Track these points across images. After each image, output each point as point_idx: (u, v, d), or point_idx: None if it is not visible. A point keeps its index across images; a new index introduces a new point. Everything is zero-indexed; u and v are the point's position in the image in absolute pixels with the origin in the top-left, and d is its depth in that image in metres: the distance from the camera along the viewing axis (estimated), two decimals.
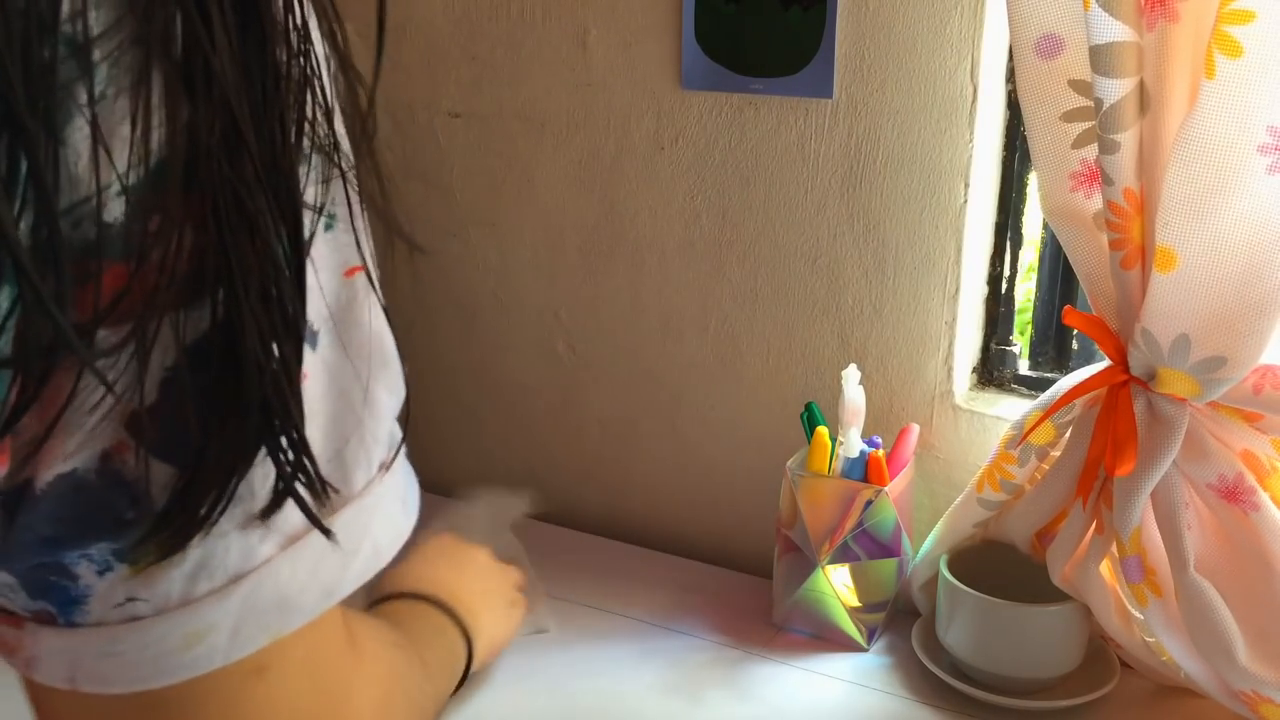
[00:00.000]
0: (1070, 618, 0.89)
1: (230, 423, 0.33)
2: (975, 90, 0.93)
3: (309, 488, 0.36)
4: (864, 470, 0.94)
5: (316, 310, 0.35)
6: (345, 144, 0.36)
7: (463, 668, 0.75)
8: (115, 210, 0.30)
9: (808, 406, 1.00)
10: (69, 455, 0.32)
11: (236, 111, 0.31)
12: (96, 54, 0.29)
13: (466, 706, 0.90)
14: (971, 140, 0.94)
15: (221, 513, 0.34)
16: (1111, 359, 0.82)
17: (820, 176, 1.01)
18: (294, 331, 0.34)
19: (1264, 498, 0.77)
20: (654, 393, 1.15)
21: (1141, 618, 0.85)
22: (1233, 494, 0.78)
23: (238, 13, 0.31)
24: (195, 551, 0.35)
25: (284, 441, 0.35)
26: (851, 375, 0.94)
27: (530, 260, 1.17)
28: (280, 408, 0.34)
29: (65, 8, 0.29)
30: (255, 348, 0.33)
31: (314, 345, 0.36)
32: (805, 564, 0.97)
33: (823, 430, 0.96)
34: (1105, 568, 0.87)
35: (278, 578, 0.37)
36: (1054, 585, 0.89)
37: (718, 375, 1.11)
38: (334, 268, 0.36)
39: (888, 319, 1.01)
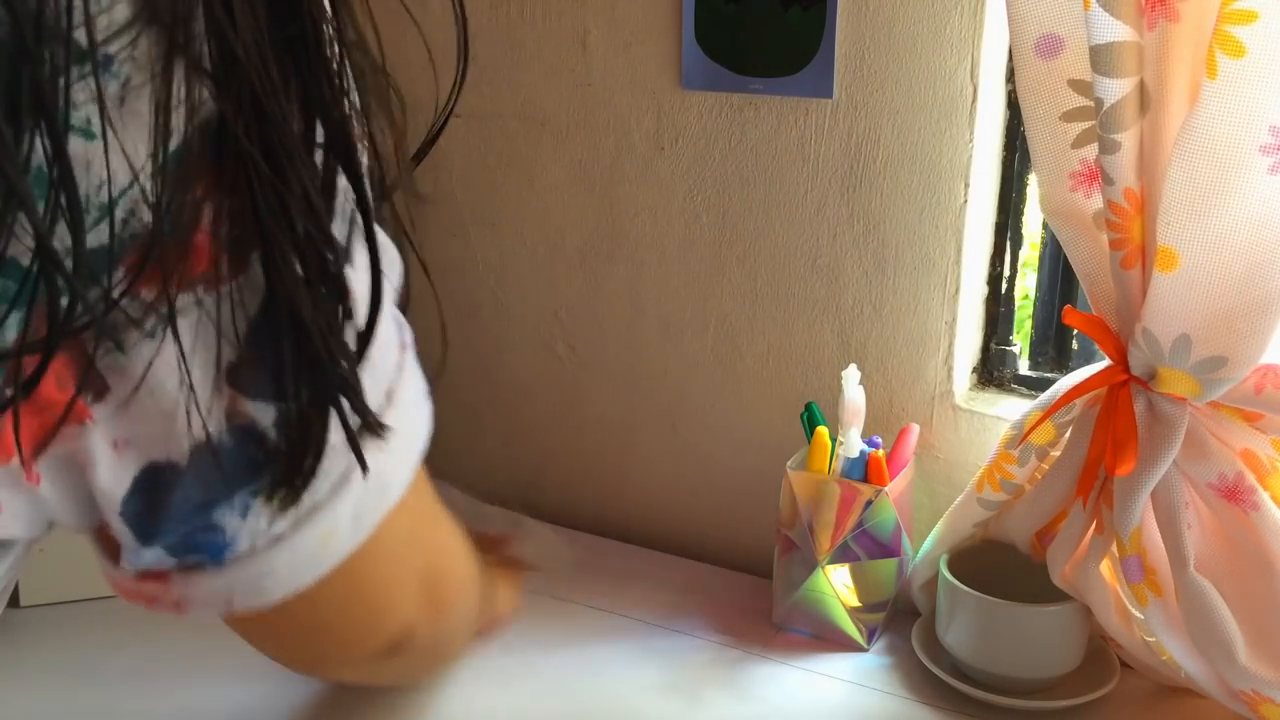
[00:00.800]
0: (1070, 618, 0.89)
1: (310, 364, 0.37)
2: (975, 90, 0.93)
3: (358, 413, 0.40)
4: (864, 470, 0.94)
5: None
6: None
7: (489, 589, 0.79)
8: (153, 191, 0.33)
9: (808, 406, 1.00)
10: (198, 426, 0.36)
11: (261, 90, 0.33)
12: (113, 49, 0.31)
13: (467, 706, 0.90)
14: (971, 140, 0.94)
15: (324, 444, 0.39)
16: (1111, 359, 0.82)
17: (820, 176, 1.01)
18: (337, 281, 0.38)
19: (1264, 497, 0.77)
20: (654, 393, 1.15)
21: (1141, 618, 0.85)
22: (1233, 493, 0.78)
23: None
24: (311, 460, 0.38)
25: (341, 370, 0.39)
26: (851, 375, 0.94)
27: (530, 260, 1.17)
28: (338, 346, 0.38)
29: (78, 11, 0.30)
30: (305, 304, 0.36)
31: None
32: (805, 564, 0.97)
33: (823, 430, 0.96)
34: (1105, 568, 0.87)
35: (377, 464, 0.41)
36: (1054, 585, 0.89)
37: (718, 375, 1.11)
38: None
39: (888, 319, 1.01)
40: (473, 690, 0.92)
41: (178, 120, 0.32)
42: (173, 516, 0.38)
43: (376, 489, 0.42)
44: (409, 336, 0.45)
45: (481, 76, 1.13)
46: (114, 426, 0.36)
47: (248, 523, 0.39)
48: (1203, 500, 0.80)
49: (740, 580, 1.09)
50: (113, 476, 0.37)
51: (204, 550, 0.39)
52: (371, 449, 0.41)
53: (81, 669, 0.94)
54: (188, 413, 0.36)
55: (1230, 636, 0.78)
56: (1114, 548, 0.84)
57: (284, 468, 0.38)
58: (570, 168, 1.12)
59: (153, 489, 0.37)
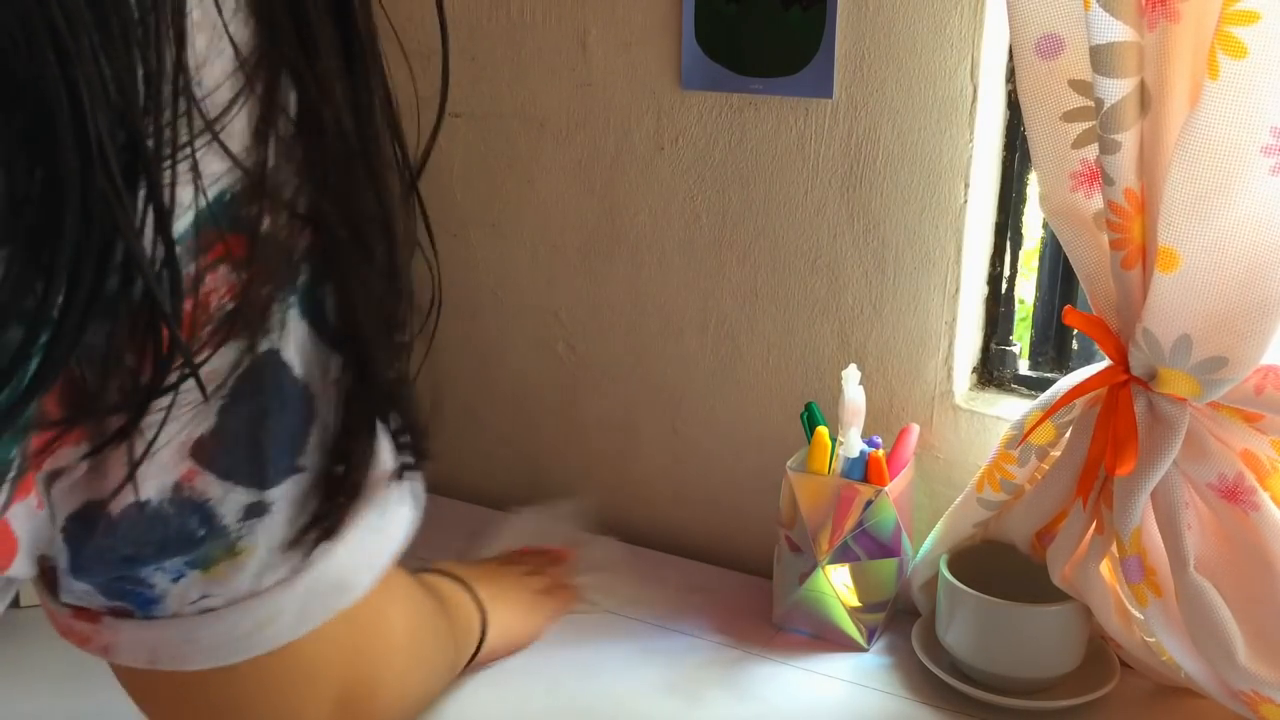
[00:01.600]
0: (1070, 618, 0.89)
1: (360, 414, 0.38)
2: (975, 90, 0.93)
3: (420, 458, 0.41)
4: (864, 470, 0.94)
5: None
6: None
7: (475, 641, 0.80)
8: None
9: (808, 406, 1.00)
10: (144, 488, 0.35)
11: (343, 147, 0.35)
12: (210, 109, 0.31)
13: (467, 706, 0.90)
14: (971, 140, 0.94)
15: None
16: (1112, 359, 0.82)
17: (820, 176, 1.01)
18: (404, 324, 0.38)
19: (1264, 498, 0.77)
20: (654, 393, 1.15)
21: (1141, 618, 0.85)
22: (1233, 494, 0.78)
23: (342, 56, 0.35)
24: (261, 551, 0.38)
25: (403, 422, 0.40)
26: (851, 375, 0.94)
27: (530, 260, 1.17)
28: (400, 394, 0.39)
29: (175, 79, 0.30)
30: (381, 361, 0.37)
31: None
32: (805, 564, 0.97)
33: (823, 430, 0.96)
34: (1105, 568, 0.87)
35: (338, 563, 0.40)
36: (1054, 585, 0.89)
37: (718, 375, 1.11)
38: None
39: (888, 319, 1.01)
40: (473, 690, 0.92)
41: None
42: (102, 559, 0.37)
43: (330, 589, 0.41)
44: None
45: (481, 76, 1.13)
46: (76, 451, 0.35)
47: (178, 587, 0.38)
48: (1203, 500, 0.80)
49: (740, 580, 1.09)
50: (67, 493, 0.36)
51: (131, 600, 0.38)
52: (331, 551, 0.40)
53: (81, 670, 0.94)
54: (132, 471, 0.34)
55: (1230, 636, 0.78)
56: (1114, 548, 0.84)
57: (226, 549, 0.37)
58: (570, 168, 1.12)
59: (88, 524, 0.36)
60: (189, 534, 0.36)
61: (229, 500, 0.36)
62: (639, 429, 1.17)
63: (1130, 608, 0.87)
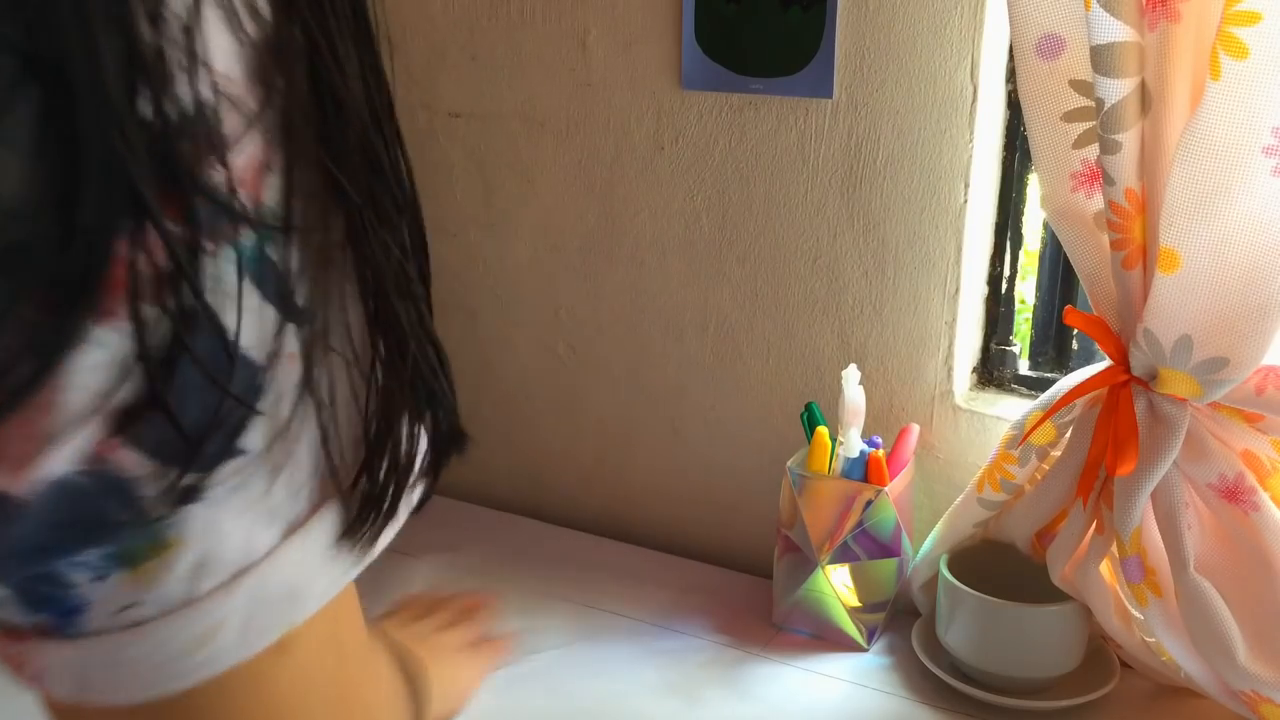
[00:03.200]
0: (1070, 618, 0.89)
1: (394, 392, 0.35)
2: (975, 90, 0.93)
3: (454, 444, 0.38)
4: (864, 470, 0.94)
5: None
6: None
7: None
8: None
9: (808, 406, 1.00)
10: (55, 460, 0.31)
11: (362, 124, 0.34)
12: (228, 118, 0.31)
13: (467, 705, 0.90)
14: (971, 140, 0.94)
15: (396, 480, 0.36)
16: (1112, 359, 0.82)
17: (820, 176, 1.01)
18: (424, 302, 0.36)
19: (1264, 498, 0.77)
20: (654, 393, 1.15)
21: (1141, 618, 0.86)
22: (1233, 494, 0.78)
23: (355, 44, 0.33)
24: (194, 547, 0.34)
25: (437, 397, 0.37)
26: (851, 375, 0.94)
27: (530, 260, 1.17)
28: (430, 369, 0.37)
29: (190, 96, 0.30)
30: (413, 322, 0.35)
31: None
32: (805, 564, 0.97)
33: (823, 430, 0.96)
34: (1105, 568, 0.87)
35: (285, 567, 0.36)
36: (1054, 585, 0.89)
37: (718, 375, 1.11)
38: None
39: (888, 319, 1.01)
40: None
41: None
42: (13, 551, 0.33)
43: (279, 598, 0.36)
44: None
45: (481, 76, 1.13)
46: None
47: (102, 589, 0.34)
48: (1203, 501, 0.80)
49: (740, 580, 1.09)
50: None
51: (50, 607, 0.35)
52: (294, 544, 0.36)
53: None
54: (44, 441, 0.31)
55: (1230, 636, 0.78)
56: (1114, 548, 0.84)
57: (152, 541, 0.33)
58: (570, 168, 1.12)
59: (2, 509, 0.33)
60: (107, 517, 0.33)
61: (154, 481, 0.32)
62: (639, 429, 1.17)
63: (1130, 608, 0.87)
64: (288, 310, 0.33)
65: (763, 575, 1.07)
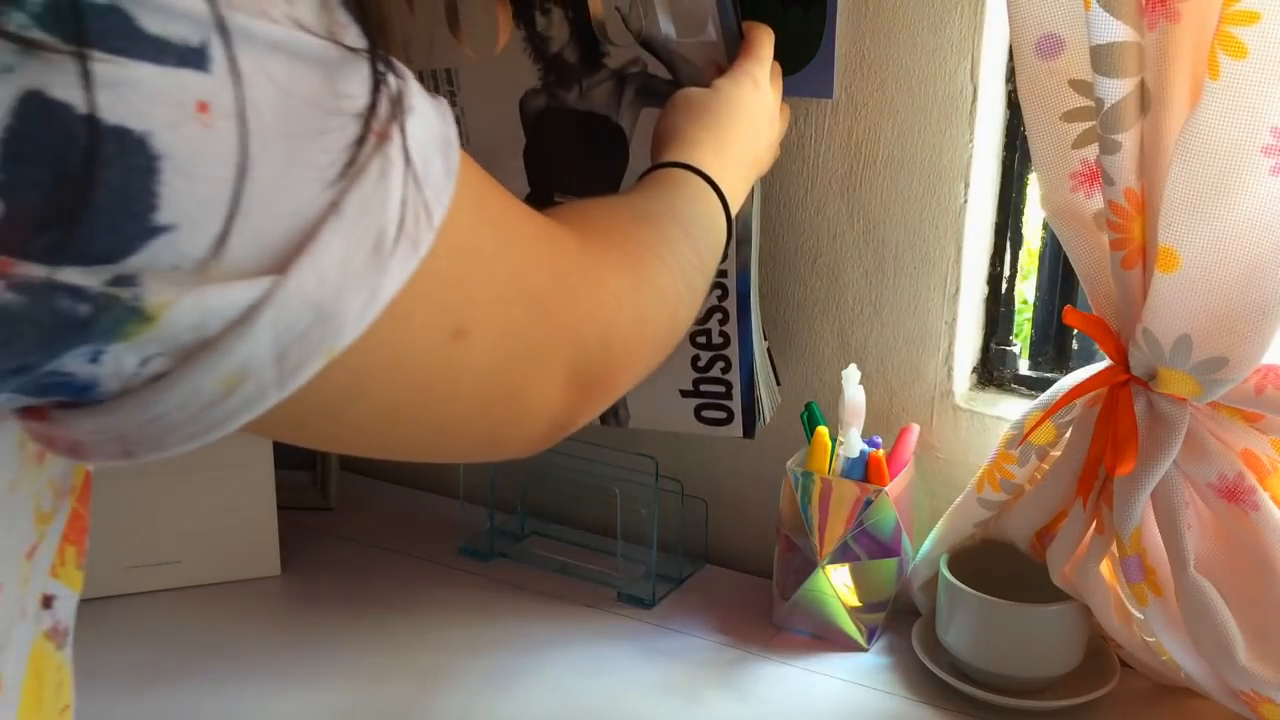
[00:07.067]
0: (1070, 618, 0.89)
1: None
2: (975, 90, 0.93)
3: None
4: (864, 470, 0.94)
5: None
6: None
7: (722, 222, 0.70)
8: None
9: (808, 406, 1.00)
10: None
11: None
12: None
13: (467, 706, 0.90)
14: (971, 140, 0.94)
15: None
16: (1112, 359, 0.82)
17: (820, 176, 1.01)
18: None
19: (1264, 497, 0.77)
20: None
21: (1141, 618, 0.86)
22: (1233, 494, 0.78)
23: None
24: (191, 293, 0.31)
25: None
26: (851, 375, 0.94)
27: None
28: None
29: None
30: None
31: None
32: (805, 564, 0.97)
33: (823, 430, 0.97)
34: (1105, 567, 0.87)
35: (302, 289, 0.33)
36: (1054, 585, 0.89)
37: None
38: None
39: (888, 319, 1.01)
40: (473, 690, 0.92)
41: None
42: None
43: (308, 324, 0.33)
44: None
45: None
46: None
47: (105, 366, 0.32)
48: (1203, 500, 0.80)
49: (740, 580, 1.09)
50: None
51: (62, 392, 0.33)
52: (306, 262, 0.33)
53: (80, 671, 0.94)
54: None
55: (1230, 636, 0.78)
56: (1114, 548, 0.84)
57: (138, 318, 0.31)
58: None
59: None
60: (71, 317, 0.30)
61: (84, 279, 0.30)
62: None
63: (1130, 608, 0.87)
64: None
65: (763, 575, 1.07)
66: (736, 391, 0.98)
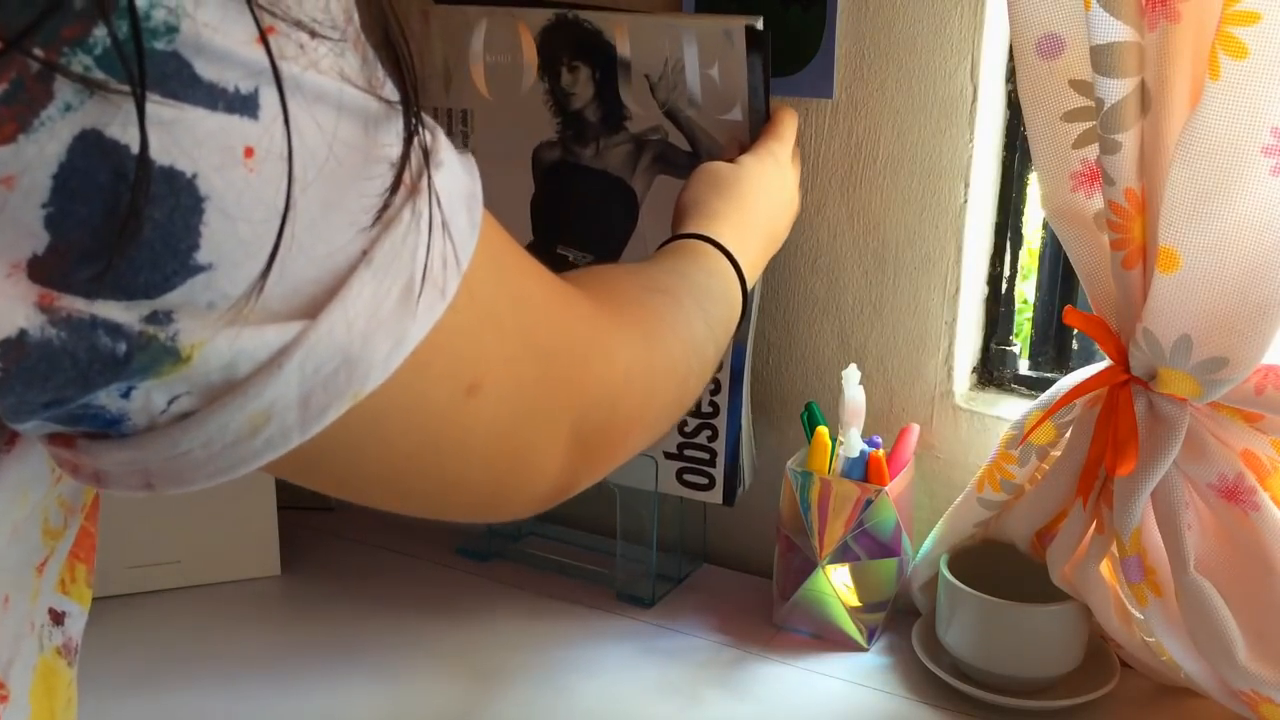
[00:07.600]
0: (1070, 618, 0.89)
1: None
2: (975, 90, 0.93)
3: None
4: (864, 470, 0.94)
5: None
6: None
7: (738, 296, 0.71)
8: None
9: (808, 406, 1.00)
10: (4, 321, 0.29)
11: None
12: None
13: (468, 706, 0.90)
14: (971, 140, 0.94)
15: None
16: (1112, 359, 0.82)
17: (820, 176, 1.01)
18: None
19: (1264, 498, 0.77)
20: None
21: (1141, 618, 0.86)
22: (1233, 494, 0.78)
23: None
24: (225, 334, 0.32)
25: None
26: (851, 375, 0.94)
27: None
28: None
29: None
30: None
31: None
32: (805, 564, 0.97)
33: (823, 430, 0.97)
34: (1105, 567, 0.87)
35: (332, 334, 0.33)
36: (1054, 585, 0.89)
37: None
38: None
39: (888, 319, 1.01)
40: (473, 690, 0.92)
41: None
42: (25, 409, 0.32)
43: (333, 370, 0.34)
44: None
45: None
46: None
47: (135, 402, 0.33)
48: (1203, 500, 0.80)
49: (740, 580, 1.09)
50: None
51: (92, 424, 0.33)
52: (336, 307, 0.33)
53: (80, 671, 0.94)
54: None
55: (1230, 636, 0.78)
56: (1114, 548, 0.84)
57: (172, 357, 0.32)
58: None
59: None
60: (108, 355, 0.31)
61: (122, 315, 0.30)
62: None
63: (1130, 608, 0.87)
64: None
65: (763, 575, 1.07)
66: (720, 460, 1.00)
